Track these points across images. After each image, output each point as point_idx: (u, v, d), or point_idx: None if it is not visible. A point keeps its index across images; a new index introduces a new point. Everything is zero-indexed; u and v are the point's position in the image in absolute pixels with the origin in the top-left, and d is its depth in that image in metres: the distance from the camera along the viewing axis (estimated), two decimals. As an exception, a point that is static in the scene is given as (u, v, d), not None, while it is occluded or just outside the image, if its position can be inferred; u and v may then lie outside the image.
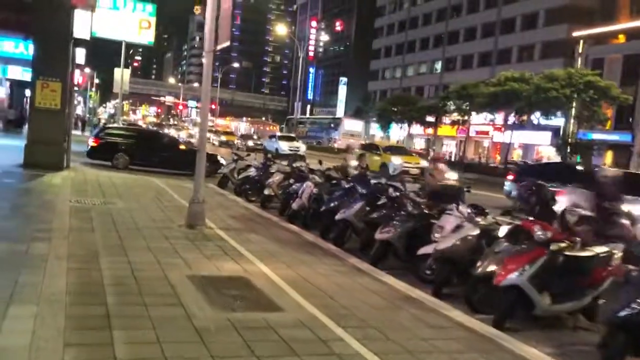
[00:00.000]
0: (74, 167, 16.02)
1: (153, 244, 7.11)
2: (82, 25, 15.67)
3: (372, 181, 9.73)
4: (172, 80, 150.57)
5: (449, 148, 66.73)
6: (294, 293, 5.60)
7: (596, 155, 37.83)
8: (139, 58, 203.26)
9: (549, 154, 51.74)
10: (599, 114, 36.30)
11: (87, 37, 15.68)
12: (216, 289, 5.45)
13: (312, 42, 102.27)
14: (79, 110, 54.99)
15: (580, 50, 47.01)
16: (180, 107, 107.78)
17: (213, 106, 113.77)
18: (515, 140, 55.62)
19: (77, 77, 18.55)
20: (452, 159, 43.81)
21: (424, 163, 26.76)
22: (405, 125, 59.73)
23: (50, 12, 14.42)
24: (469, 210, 7.07)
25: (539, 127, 45.81)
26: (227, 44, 7.88)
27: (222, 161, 16.45)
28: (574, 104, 36.51)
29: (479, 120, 48.17)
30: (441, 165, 11.20)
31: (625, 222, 7.84)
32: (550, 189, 8.24)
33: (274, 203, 13.08)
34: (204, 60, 8.56)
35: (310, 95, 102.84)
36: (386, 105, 52.91)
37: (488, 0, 62.38)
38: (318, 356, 4.13)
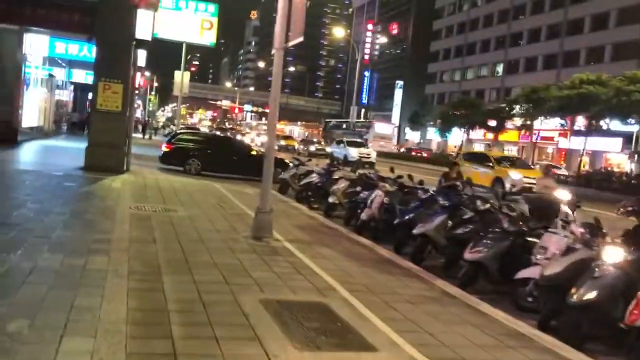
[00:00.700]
0: (133, 171, 15.76)
1: (219, 259, 6.44)
2: (144, 26, 15.38)
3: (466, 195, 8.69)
4: (228, 84, 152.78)
5: (512, 152, 64.33)
6: (384, 326, 4.78)
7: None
8: (196, 62, 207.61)
9: (619, 162, 48.99)
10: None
11: (149, 38, 15.39)
12: (294, 318, 4.68)
13: (367, 45, 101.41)
14: (138, 114, 56.08)
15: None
16: (236, 111, 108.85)
17: (267, 110, 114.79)
18: (581, 146, 53.02)
19: (138, 79, 18.34)
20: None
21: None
22: (463, 130, 57.87)
23: (113, 12, 14.21)
24: (582, 230, 6.05)
25: (609, 133, 43.23)
26: (300, 39, 7.16)
27: (299, 168, 15.87)
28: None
29: (543, 125, 45.91)
30: (549, 181, 10.13)
31: None
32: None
33: (338, 211, 12.36)
34: (273, 58, 7.86)
35: (364, 99, 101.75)
36: (449, 109, 51.13)
37: (554, 1, 59.77)
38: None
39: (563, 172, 40.60)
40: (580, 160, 42.30)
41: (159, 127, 57.54)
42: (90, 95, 28.82)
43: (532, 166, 25.24)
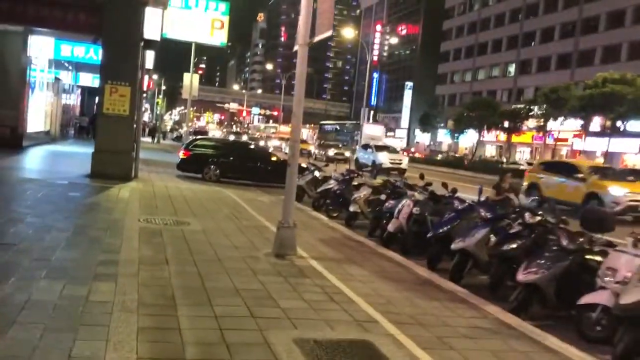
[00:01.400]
0: (142, 178, 15.04)
1: (241, 284, 5.65)
2: (153, 25, 14.69)
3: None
4: (235, 87, 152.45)
5: (524, 155, 63.24)
6: (445, 373, 3.97)
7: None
8: (202, 66, 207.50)
9: (634, 163, 47.80)
10: None
11: (158, 39, 14.68)
12: (338, 365, 3.89)
13: (376, 46, 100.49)
14: (146, 117, 55.49)
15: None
16: (244, 114, 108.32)
17: (275, 113, 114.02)
18: (597, 147, 51.86)
19: (146, 82, 17.64)
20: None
21: None
22: (475, 131, 56.77)
23: (120, 11, 13.50)
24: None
25: (626, 134, 42.13)
26: (329, 33, 6.37)
27: (317, 173, 15.11)
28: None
29: (556, 126, 44.79)
30: None
31: None
32: None
33: (359, 221, 11.60)
34: (296, 53, 7.08)
35: (373, 101, 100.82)
36: (464, 110, 50.06)
37: (567, 1, 58.74)
38: None
39: None
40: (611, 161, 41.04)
41: (167, 131, 56.89)
42: (97, 99, 28.23)
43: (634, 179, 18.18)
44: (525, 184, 19.64)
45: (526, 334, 5.14)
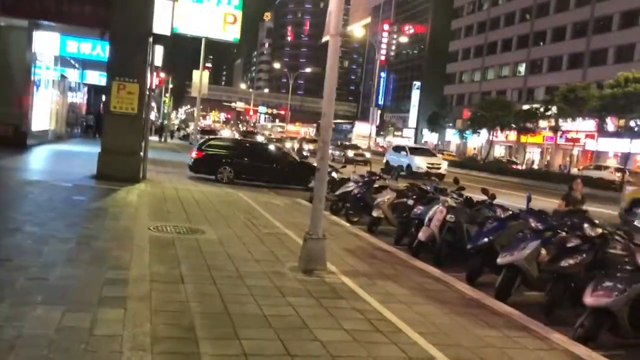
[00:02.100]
0: (150, 179, 14.31)
1: (269, 309, 4.88)
2: (163, 19, 13.96)
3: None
4: (242, 86, 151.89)
5: (534, 156, 62.31)
6: None
7: None
8: (209, 65, 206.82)
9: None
10: None
11: (168, 33, 13.94)
12: None
13: (384, 45, 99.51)
14: (152, 116, 54.81)
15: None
16: (251, 113, 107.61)
17: (282, 112, 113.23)
18: (610, 148, 50.85)
19: (155, 79, 16.91)
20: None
21: None
22: (488, 131, 55.82)
23: (129, 3, 12.75)
24: None
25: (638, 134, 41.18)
26: (367, 20, 5.60)
27: (334, 175, 14.38)
28: None
29: (573, 126, 43.79)
30: None
31: None
32: None
33: (381, 226, 10.85)
34: (325, 44, 6.31)
35: (380, 101, 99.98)
36: (477, 110, 49.11)
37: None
38: None
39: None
40: (627, 161, 39.94)
41: (174, 130, 56.22)
42: (104, 97, 27.58)
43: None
44: (626, 198, 15.50)
45: (609, 373, 4.35)
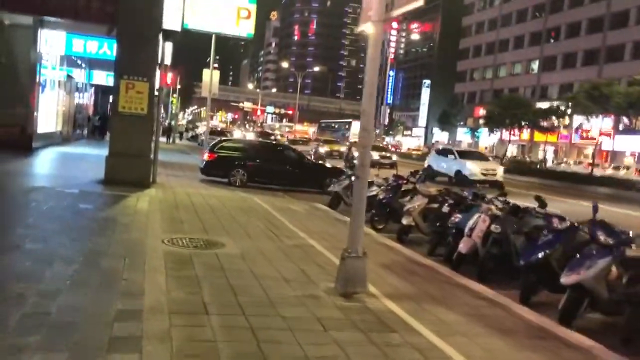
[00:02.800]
0: (161, 183, 13.56)
1: (311, 348, 4.06)
2: (173, 14, 13.18)
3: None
4: (250, 86, 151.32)
5: (547, 155, 61.23)
6: None
7: None
8: (215, 65, 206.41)
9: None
10: None
11: (178, 29, 13.15)
12: None
13: (393, 44, 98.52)
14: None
15: None
16: (258, 113, 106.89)
17: (290, 112, 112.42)
18: (627, 147, 49.75)
19: (168, 78, 16.16)
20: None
21: None
22: (505, 130, 54.66)
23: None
24: None
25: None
26: (419, 3, 4.77)
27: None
28: None
29: (596, 124, 42.66)
30: None
31: None
32: None
33: (412, 234, 10.06)
34: (364, 34, 5.48)
35: (389, 99, 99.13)
36: (495, 108, 48.06)
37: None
38: None
39: None
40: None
41: (183, 131, 55.54)
42: (111, 98, 26.93)
43: None
44: None
45: None
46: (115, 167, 12.21)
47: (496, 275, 7.50)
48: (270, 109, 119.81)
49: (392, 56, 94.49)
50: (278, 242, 8.05)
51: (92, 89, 33.79)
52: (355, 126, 68.32)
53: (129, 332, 3.97)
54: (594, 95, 33.46)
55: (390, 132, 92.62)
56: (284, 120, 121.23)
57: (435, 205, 9.76)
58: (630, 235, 5.84)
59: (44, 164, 16.18)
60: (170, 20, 13.02)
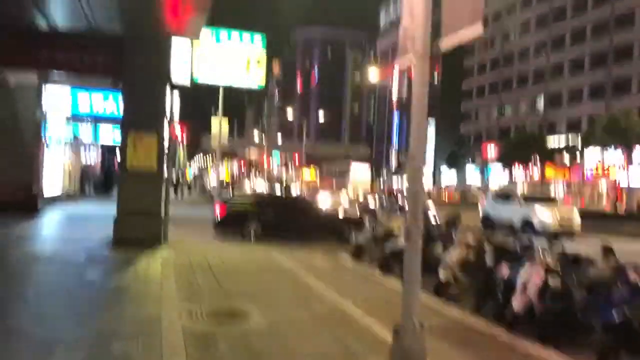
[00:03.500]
0: (172, 242, 12.71)
1: None
2: (181, 67, 12.67)
3: None
4: (255, 135, 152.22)
5: (559, 191, 60.19)
6: None
7: None
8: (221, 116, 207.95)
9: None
10: None
11: (187, 84, 12.61)
12: None
13: (395, 86, 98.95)
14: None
15: None
16: (264, 160, 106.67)
17: (296, 158, 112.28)
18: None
19: (178, 132, 15.63)
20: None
21: None
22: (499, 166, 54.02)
23: (144, 48, 11.47)
24: None
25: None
26: (476, 31, 4.05)
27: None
28: None
29: (615, 158, 41.90)
30: None
31: None
32: None
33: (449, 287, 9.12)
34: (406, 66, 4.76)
35: (395, 141, 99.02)
36: (509, 146, 47.47)
37: (596, 29, 56.71)
38: None
39: None
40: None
41: (190, 184, 55.07)
42: (118, 155, 26.46)
43: None
44: None
45: None
46: (124, 227, 11.43)
47: (556, 332, 6.56)
48: (276, 156, 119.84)
49: (395, 99, 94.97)
50: (309, 308, 7.15)
51: (99, 146, 33.46)
52: (357, 168, 67.96)
53: None
54: (613, 128, 32.68)
55: (398, 174, 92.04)
56: (290, 166, 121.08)
57: (474, 256, 8.89)
58: None
59: (49, 226, 15.44)
60: (179, 74, 12.50)
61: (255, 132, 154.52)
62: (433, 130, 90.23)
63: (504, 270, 7.59)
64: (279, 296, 7.73)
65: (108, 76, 12.60)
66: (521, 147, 44.61)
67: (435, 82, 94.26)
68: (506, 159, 48.59)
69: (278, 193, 35.73)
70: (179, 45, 12.13)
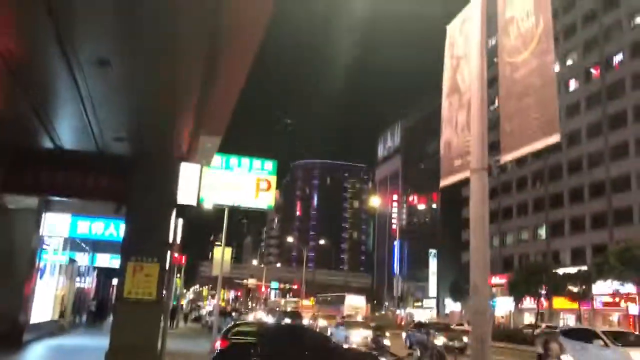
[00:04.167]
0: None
1: None
2: (188, 190, 12.21)
3: None
4: (254, 262, 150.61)
5: (569, 323, 57.83)
6: None
7: None
8: (218, 243, 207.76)
9: None
10: None
11: (194, 203, 12.11)
12: None
13: (394, 215, 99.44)
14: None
15: None
16: (263, 289, 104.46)
17: (295, 287, 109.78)
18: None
19: (181, 258, 14.85)
20: None
21: None
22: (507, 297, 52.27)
23: (152, 170, 11.08)
24: None
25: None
26: (553, 141, 3.50)
27: None
28: None
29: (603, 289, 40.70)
30: None
31: None
32: None
33: None
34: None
35: (396, 270, 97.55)
36: (518, 277, 46.28)
37: (593, 159, 57.93)
38: None
39: None
40: None
41: (188, 313, 52.95)
42: (115, 281, 25.43)
43: None
44: None
45: None
46: (115, 365, 10.27)
47: None
48: (274, 284, 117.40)
49: (394, 227, 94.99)
50: None
51: (95, 272, 32.34)
52: (349, 300, 66.67)
53: None
54: (626, 257, 31.96)
55: (401, 304, 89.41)
56: (288, 295, 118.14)
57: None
58: None
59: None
60: (186, 196, 12.01)
61: (254, 262, 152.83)
62: (435, 261, 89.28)
63: None
64: None
65: (111, 200, 12.05)
66: (531, 280, 43.41)
67: (434, 212, 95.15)
68: (515, 291, 47.05)
69: (285, 320, 34.14)
70: (187, 170, 11.76)
